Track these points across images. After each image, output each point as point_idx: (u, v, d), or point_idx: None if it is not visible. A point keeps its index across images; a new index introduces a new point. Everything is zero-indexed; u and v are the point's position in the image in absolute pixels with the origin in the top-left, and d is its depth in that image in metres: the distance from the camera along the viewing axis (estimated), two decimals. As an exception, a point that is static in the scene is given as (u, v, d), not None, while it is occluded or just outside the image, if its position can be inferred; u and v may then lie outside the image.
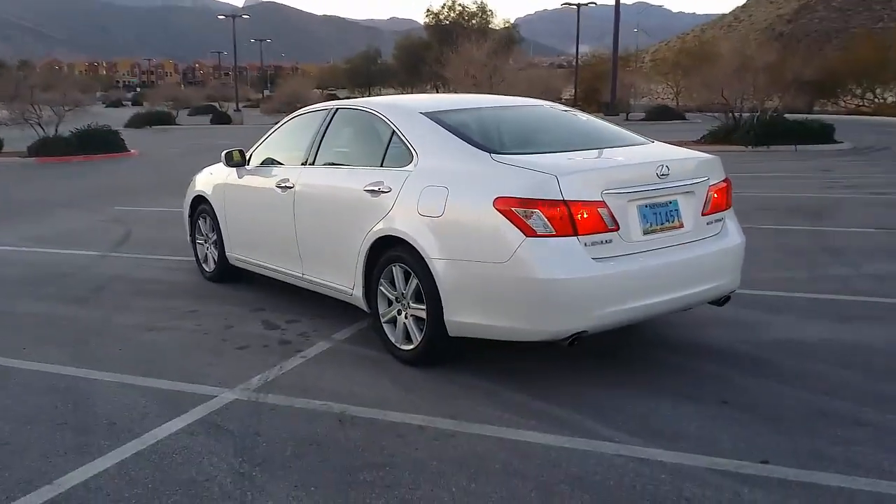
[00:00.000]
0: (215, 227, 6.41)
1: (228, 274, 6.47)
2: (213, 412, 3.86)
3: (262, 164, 5.93)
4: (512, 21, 65.12)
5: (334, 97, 75.70)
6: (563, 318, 3.83)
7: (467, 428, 3.61)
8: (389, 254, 4.49)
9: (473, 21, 62.77)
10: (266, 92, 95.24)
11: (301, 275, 5.36)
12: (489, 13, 63.68)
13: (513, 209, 3.83)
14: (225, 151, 5.98)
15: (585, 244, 3.84)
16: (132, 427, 3.69)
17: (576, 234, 3.82)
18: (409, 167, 4.46)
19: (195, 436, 3.59)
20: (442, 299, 4.13)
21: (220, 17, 73.73)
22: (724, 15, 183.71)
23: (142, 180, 15.54)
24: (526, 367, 4.38)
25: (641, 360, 4.53)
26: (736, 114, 20.98)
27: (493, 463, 3.27)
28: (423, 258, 4.20)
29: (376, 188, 4.56)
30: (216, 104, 58.33)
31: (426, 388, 4.12)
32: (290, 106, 46.78)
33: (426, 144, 4.49)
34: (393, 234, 4.40)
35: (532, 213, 3.80)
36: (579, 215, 3.82)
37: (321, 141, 5.28)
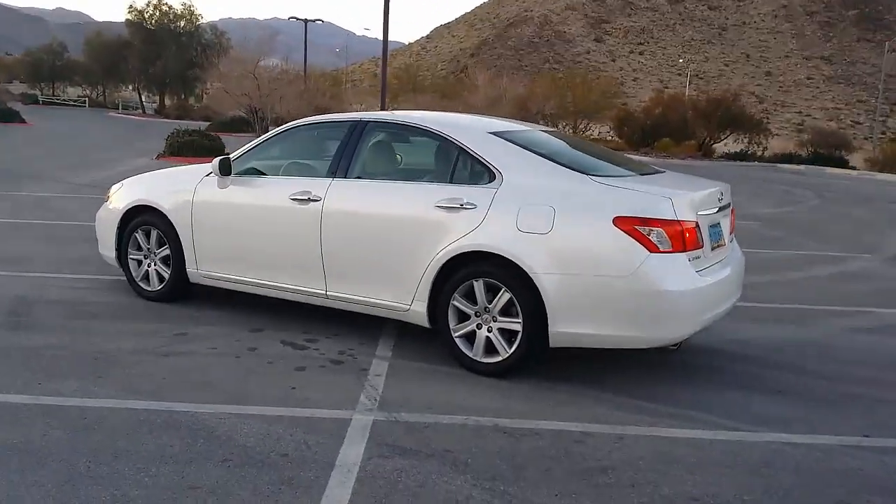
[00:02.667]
0: (168, 242, 5.79)
1: (180, 292, 5.90)
2: (374, 434, 3.70)
3: (246, 174, 5.55)
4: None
5: (7, 92, 66.79)
6: (678, 325, 4.32)
7: (623, 430, 3.92)
8: (470, 269, 4.59)
9: (181, 23, 59.79)
10: None
11: (324, 293, 5.14)
12: (197, 16, 61.08)
13: (636, 227, 4.23)
14: (219, 158, 5.47)
15: (689, 259, 4.36)
16: (313, 457, 3.43)
17: (685, 250, 4.32)
18: (493, 185, 4.61)
19: (390, 458, 3.45)
20: (548, 312, 4.36)
21: None
22: (411, 44, 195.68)
23: None
24: (590, 369, 4.76)
25: (669, 361, 5.13)
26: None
27: (689, 458, 3.64)
28: (524, 273, 4.39)
29: (456, 204, 4.62)
30: None
31: (539, 398, 4.31)
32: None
33: (511, 164, 4.66)
34: (485, 250, 4.51)
35: (653, 230, 4.23)
36: (687, 233, 4.33)
37: (353, 154, 5.14)
